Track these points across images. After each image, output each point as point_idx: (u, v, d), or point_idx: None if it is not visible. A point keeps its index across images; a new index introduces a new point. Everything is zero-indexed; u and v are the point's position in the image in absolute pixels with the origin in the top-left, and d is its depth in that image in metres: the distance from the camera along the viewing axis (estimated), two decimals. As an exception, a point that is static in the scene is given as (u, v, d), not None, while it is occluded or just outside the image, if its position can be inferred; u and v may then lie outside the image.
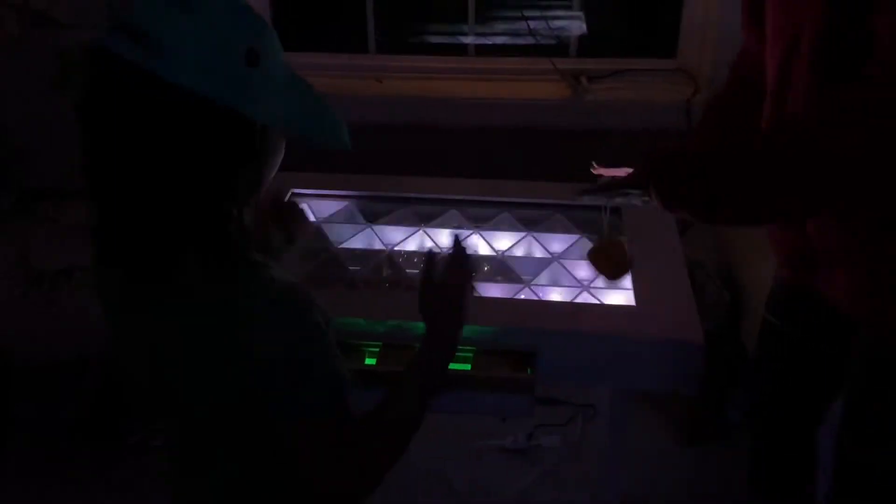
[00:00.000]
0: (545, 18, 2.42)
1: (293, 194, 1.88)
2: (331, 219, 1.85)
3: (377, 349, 1.46)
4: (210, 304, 0.87)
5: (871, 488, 1.24)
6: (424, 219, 1.82)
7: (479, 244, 1.74)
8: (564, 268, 1.65)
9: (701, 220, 1.16)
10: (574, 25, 2.41)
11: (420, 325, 1.05)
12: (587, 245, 1.71)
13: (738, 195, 1.09)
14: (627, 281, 1.55)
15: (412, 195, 1.90)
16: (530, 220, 1.82)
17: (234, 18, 0.79)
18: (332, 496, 0.95)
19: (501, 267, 1.67)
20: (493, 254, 1.70)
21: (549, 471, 1.93)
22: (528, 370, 1.41)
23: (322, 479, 0.94)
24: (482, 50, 2.48)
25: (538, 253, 1.72)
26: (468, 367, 1.41)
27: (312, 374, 0.90)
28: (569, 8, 2.40)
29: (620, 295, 1.57)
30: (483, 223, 1.81)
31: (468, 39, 2.47)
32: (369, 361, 1.44)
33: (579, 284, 1.61)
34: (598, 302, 1.56)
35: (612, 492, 1.80)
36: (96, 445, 2.04)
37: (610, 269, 1.43)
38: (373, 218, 1.84)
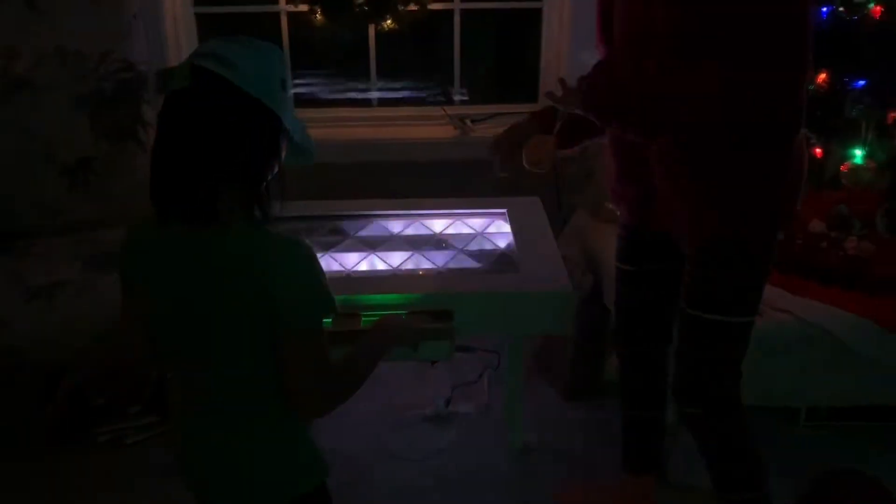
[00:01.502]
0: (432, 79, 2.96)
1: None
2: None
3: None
4: (243, 241, 1.16)
5: (701, 334, 1.66)
6: (340, 231, 2.27)
7: (399, 243, 2.22)
8: (467, 254, 2.15)
9: (608, 123, 1.63)
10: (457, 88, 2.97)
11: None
12: (483, 242, 2.23)
13: (636, 113, 1.54)
14: (517, 257, 2.06)
15: (336, 212, 2.36)
16: (435, 226, 2.32)
17: (274, 56, 1.20)
18: (312, 400, 1.23)
19: (419, 255, 2.15)
20: (412, 251, 2.18)
21: (464, 429, 2.37)
22: (449, 322, 1.88)
23: (306, 386, 1.20)
24: (384, 101, 2.99)
25: (447, 246, 2.22)
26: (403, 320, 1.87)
27: (315, 296, 1.19)
28: (451, 70, 2.96)
29: (511, 267, 2.07)
30: (399, 230, 2.29)
31: (372, 94, 2.98)
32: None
33: (481, 262, 2.11)
34: (496, 272, 2.06)
35: (513, 440, 2.26)
36: (69, 444, 2.23)
37: (538, 156, 1.78)
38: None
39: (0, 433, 2.23)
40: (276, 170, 1.22)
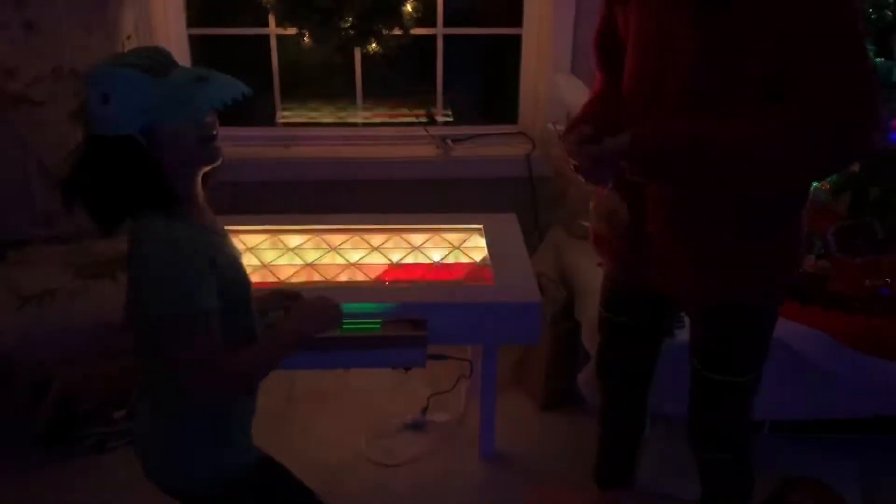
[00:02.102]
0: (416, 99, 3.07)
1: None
2: (259, 245, 2.38)
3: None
4: (136, 234, 1.27)
5: (714, 393, 1.68)
6: (323, 243, 2.36)
7: (379, 256, 2.31)
8: (442, 267, 2.24)
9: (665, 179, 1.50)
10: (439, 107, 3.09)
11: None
12: (459, 256, 2.33)
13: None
14: (490, 269, 2.16)
15: (319, 226, 2.46)
16: (414, 240, 2.42)
17: (116, 76, 1.22)
18: (189, 385, 1.30)
19: (396, 268, 2.24)
20: (389, 261, 2.28)
21: (439, 437, 2.45)
22: (422, 331, 1.97)
23: (178, 373, 1.28)
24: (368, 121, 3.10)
25: (423, 259, 2.31)
26: (378, 328, 1.96)
27: (166, 286, 1.25)
28: (433, 91, 3.08)
29: (484, 279, 2.16)
30: (378, 244, 2.39)
31: (357, 115, 3.08)
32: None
33: (455, 275, 2.20)
34: (469, 284, 2.15)
35: (486, 448, 2.34)
36: (55, 447, 2.30)
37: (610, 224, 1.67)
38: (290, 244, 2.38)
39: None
40: (182, 152, 1.28)
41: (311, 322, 1.49)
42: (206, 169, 1.34)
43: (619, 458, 2.07)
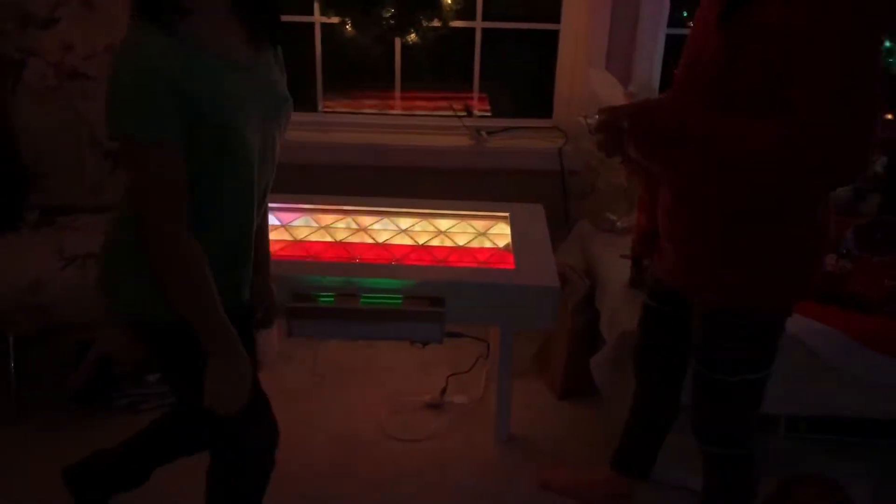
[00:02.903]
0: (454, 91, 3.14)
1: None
2: (293, 222, 2.47)
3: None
4: (120, 46, 1.25)
5: (722, 391, 1.68)
6: (354, 224, 2.46)
7: (404, 238, 2.39)
8: (465, 249, 2.31)
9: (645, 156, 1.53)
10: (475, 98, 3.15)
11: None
12: (483, 241, 2.39)
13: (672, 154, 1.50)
14: (511, 255, 2.22)
15: (352, 207, 2.55)
16: (440, 225, 2.49)
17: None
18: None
19: (422, 249, 2.31)
20: (414, 243, 2.35)
21: (456, 417, 2.51)
22: (440, 308, 2.04)
23: (137, 200, 1.28)
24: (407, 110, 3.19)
25: (448, 242, 2.38)
26: (399, 303, 2.04)
27: (116, 105, 1.22)
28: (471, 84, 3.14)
29: (504, 263, 2.22)
30: (406, 226, 2.47)
31: (396, 104, 3.17)
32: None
33: (476, 258, 2.27)
34: (489, 267, 2.21)
35: (502, 430, 2.40)
36: (90, 407, 2.41)
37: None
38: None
39: (29, 392, 2.43)
40: None
41: (229, 365, 1.40)
42: None
43: (644, 449, 2.09)
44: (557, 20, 2.98)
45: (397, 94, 3.11)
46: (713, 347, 1.64)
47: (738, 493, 1.83)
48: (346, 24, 2.79)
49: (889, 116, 2.31)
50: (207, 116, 1.26)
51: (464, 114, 3.06)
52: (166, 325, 1.38)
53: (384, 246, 2.31)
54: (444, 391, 2.57)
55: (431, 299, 2.04)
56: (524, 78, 3.31)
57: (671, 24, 2.95)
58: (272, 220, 2.46)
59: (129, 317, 1.45)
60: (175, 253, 1.30)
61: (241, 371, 1.40)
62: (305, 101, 3.12)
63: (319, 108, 3.14)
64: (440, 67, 3.23)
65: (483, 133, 3.03)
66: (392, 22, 2.75)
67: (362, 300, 2.02)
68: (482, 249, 2.32)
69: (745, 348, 1.63)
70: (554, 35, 3.01)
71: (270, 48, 1.44)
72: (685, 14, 2.93)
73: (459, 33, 2.89)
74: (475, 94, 3.11)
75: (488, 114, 3.16)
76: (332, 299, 2.02)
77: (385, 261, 2.22)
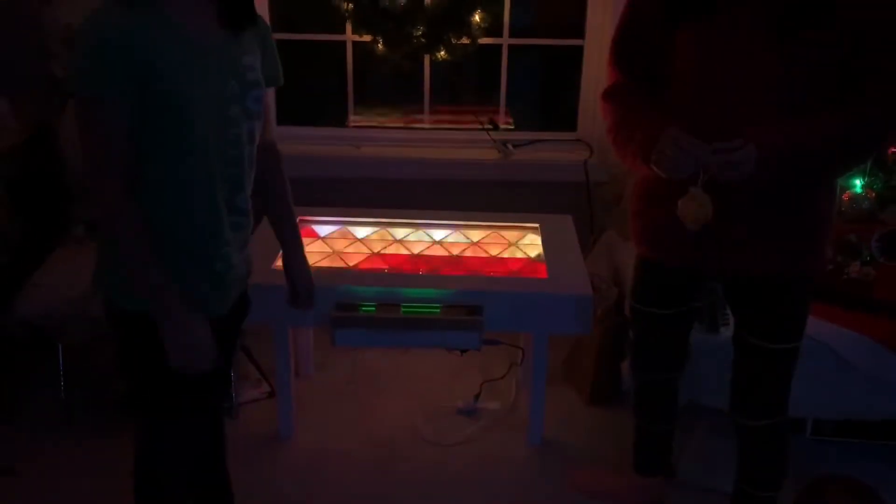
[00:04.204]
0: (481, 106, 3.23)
1: (301, 221, 2.58)
2: (331, 235, 2.56)
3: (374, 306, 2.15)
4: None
5: (768, 361, 1.81)
6: (389, 235, 2.54)
7: (440, 249, 2.47)
8: (499, 260, 2.38)
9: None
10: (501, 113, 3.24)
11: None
12: (515, 251, 2.46)
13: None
14: (544, 264, 2.29)
15: (387, 220, 2.63)
16: (473, 236, 2.57)
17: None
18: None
19: (457, 259, 2.39)
20: (449, 253, 2.43)
21: (489, 422, 2.58)
22: (478, 316, 2.12)
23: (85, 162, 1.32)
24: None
25: (481, 253, 2.46)
26: (437, 312, 2.11)
27: (74, 61, 1.29)
28: (497, 100, 3.23)
29: (538, 272, 2.30)
30: (440, 238, 2.55)
31: (424, 119, 3.25)
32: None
33: (511, 267, 2.34)
34: (523, 276, 2.29)
35: (534, 435, 2.46)
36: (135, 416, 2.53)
37: (694, 216, 1.63)
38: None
39: (77, 398, 2.52)
40: None
41: (179, 332, 1.41)
42: None
43: (656, 446, 2.17)
44: (581, 35, 3.07)
45: (426, 109, 3.20)
46: (776, 317, 1.77)
47: (782, 464, 1.92)
48: (377, 42, 2.89)
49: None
50: (156, 87, 1.30)
51: (490, 127, 3.15)
52: (134, 313, 1.42)
53: (420, 256, 2.39)
54: (477, 397, 2.65)
55: (469, 308, 2.12)
56: (547, 91, 3.39)
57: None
58: (308, 232, 2.55)
59: (106, 304, 1.49)
60: (111, 201, 1.34)
61: (189, 341, 1.41)
62: (336, 118, 3.21)
63: (349, 122, 3.23)
64: (466, 82, 3.31)
65: (509, 146, 3.11)
66: (422, 40, 2.85)
67: (403, 309, 2.10)
68: (515, 259, 2.40)
69: (803, 313, 1.78)
70: (577, 50, 3.09)
71: (251, 31, 1.46)
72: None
73: (482, 48, 2.98)
74: (502, 109, 3.19)
75: (511, 127, 3.24)
76: (374, 309, 2.10)
77: (422, 271, 2.29)
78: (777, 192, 1.66)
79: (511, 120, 3.25)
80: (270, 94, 1.59)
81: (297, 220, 1.73)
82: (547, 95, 3.38)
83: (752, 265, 1.73)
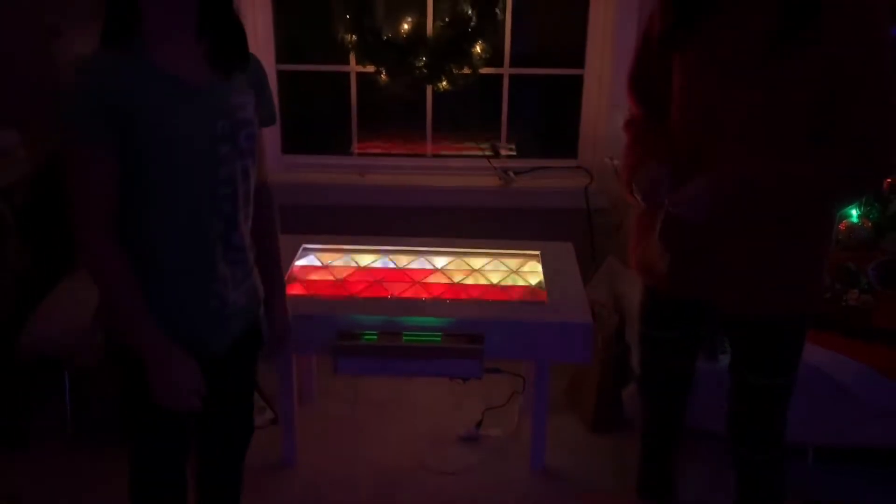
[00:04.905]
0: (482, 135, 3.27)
1: (305, 249, 2.62)
2: (333, 262, 2.59)
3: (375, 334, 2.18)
4: None
5: (772, 398, 1.83)
6: (391, 263, 2.56)
7: (441, 276, 2.49)
8: (500, 288, 2.41)
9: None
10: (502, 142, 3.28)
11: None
12: (516, 279, 2.49)
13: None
14: (545, 292, 2.31)
15: (388, 248, 2.66)
16: (474, 263, 2.60)
17: None
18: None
19: (458, 286, 2.42)
20: (450, 281, 2.46)
21: (491, 450, 2.60)
22: (479, 345, 2.14)
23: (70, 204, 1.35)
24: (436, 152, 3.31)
25: (482, 280, 2.48)
26: (439, 340, 2.14)
27: (65, 108, 1.33)
28: (498, 127, 3.26)
29: (539, 300, 2.31)
30: (442, 265, 2.57)
31: (427, 147, 3.29)
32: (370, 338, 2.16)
33: (512, 295, 2.36)
34: (525, 304, 2.30)
35: (537, 461, 2.47)
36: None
37: (650, 262, 1.76)
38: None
39: (85, 428, 2.54)
40: None
41: (163, 368, 1.42)
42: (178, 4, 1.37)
43: (660, 471, 2.19)
44: (581, 65, 3.11)
45: (429, 137, 3.24)
46: (773, 354, 1.79)
47: (780, 491, 1.94)
48: (380, 72, 2.93)
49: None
50: (141, 132, 1.33)
51: (491, 154, 3.18)
52: (121, 347, 1.45)
53: (421, 284, 2.42)
54: (479, 424, 2.66)
55: (470, 336, 2.14)
56: (547, 119, 3.43)
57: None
58: (311, 260, 2.58)
59: (106, 340, 1.51)
60: (92, 249, 1.37)
61: (173, 378, 1.41)
62: (340, 146, 3.25)
63: (353, 151, 3.27)
64: (468, 110, 3.35)
65: (510, 173, 3.14)
66: (424, 70, 2.89)
67: (405, 337, 2.12)
68: (516, 287, 2.42)
69: (797, 349, 1.79)
70: (577, 79, 3.13)
71: (241, 72, 1.47)
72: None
73: (484, 77, 3.03)
74: (503, 137, 3.22)
75: (514, 153, 3.28)
76: (376, 337, 2.13)
77: (424, 298, 2.32)
78: (763, 231, 1.67)
79: (513, 146, 3.29)
80: (273, 130, 1.62)
81: (282, 268, 1.73)
82: (547, 123, 3.41)
83: (746, 306, 1.76)
